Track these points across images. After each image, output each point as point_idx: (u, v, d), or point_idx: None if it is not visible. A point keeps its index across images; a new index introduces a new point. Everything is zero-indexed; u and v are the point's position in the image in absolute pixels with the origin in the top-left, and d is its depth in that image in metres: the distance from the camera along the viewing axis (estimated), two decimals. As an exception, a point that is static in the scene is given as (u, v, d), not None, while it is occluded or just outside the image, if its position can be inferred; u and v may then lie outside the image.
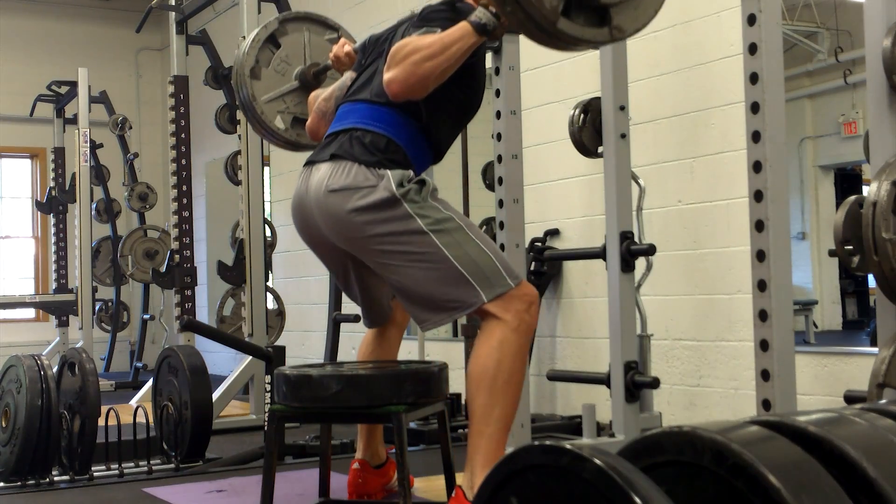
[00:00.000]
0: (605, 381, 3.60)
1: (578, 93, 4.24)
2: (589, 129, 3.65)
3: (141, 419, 3.92)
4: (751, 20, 2.50)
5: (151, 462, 3.68)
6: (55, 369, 3.63)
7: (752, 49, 2.50)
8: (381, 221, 2.44)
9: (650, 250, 3.54)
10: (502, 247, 3.50)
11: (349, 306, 3.94)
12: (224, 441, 4.44)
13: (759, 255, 2.48)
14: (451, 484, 2.59)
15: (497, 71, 3.56)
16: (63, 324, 8.09)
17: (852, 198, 2.42)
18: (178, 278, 5.39)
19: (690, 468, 0.96)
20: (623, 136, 3.57)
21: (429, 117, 2.58)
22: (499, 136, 3.56)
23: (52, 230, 8.36)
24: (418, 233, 2.43)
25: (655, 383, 3.50)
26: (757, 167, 2.48)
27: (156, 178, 8.85)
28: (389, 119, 2.55)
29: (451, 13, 2.56)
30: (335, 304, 4.87)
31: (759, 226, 2.48)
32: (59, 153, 8.20)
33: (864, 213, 2.28)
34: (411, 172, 2.51)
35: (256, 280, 4.92)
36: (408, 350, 4.58)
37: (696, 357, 4.26)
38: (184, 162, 5.49)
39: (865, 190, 2.48)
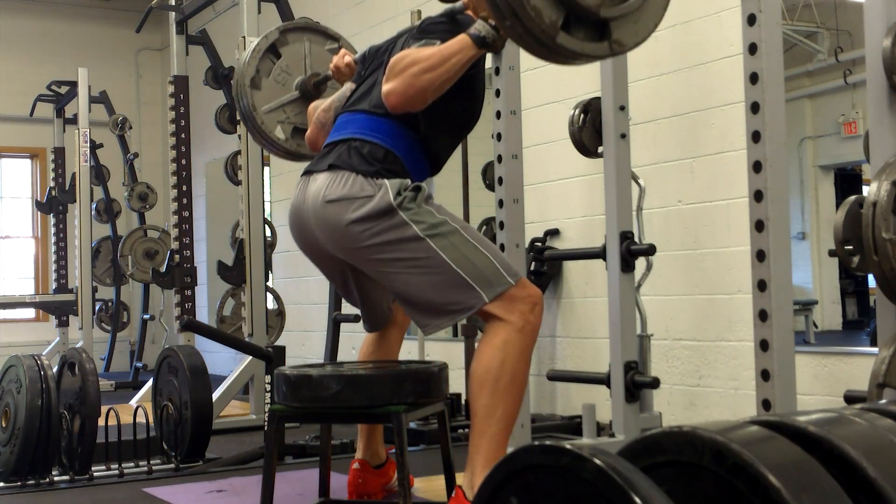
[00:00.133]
0: (605, 381, 3.61)
1: (578, 93, 4.25)
2: (589, 129, 3.65)
3: (141, 419, 3.92)
4: (751, 20, 2.50)
5: (151, 462, 3.68)
6: (55, 369, 3.63)
7: (752, 49, 2.50)
8: (379, 231, 2.44)
9: (650, 250, 3.54)
10: (502, 247, 3.50)
11: (349, 306, 3.94)
12: (224, 441, 4.44)
13: (759, 255, 2.48)
14: (451, 484, 2.59)
15: (497, 71, 3.56)
16: (63, 324, 8.09)
17: (852, 198, 2.42)
18: (178, 278, 5.39)
19: (690, 468, 0.96)
20: (623, 136, 3.57)
21: (427, 129, 2.58)
22: (499, 136, 3.56)
23: (52, 230, 8.37)
24: (414, 239, 2.43)
25: (655, 383, 3.50)
26: (757, 167, 2.48)
27: (156, 178, 8.86)
28: (388, 130, 2.55)
29: (450, 25, 2.57)
30: (335, 304, 4.87)
31: (759, 226, 2.48)
32: (59, 153, 8.21)
33: (864, 213, 2.28)
34: (409, 181, 2.51)
35: (256, 280, 4.92)
36: (408, 350, 4.58)
37: (696, 357, 4.26)
38: (184, 162, 5.50)
39: (865, 190, 2.48)
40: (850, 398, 2.48)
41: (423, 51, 2.45)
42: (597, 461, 0.90)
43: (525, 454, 0.97)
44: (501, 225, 3.55)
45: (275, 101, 3.38)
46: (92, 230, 7.29)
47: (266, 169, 5.56)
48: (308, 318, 7.15)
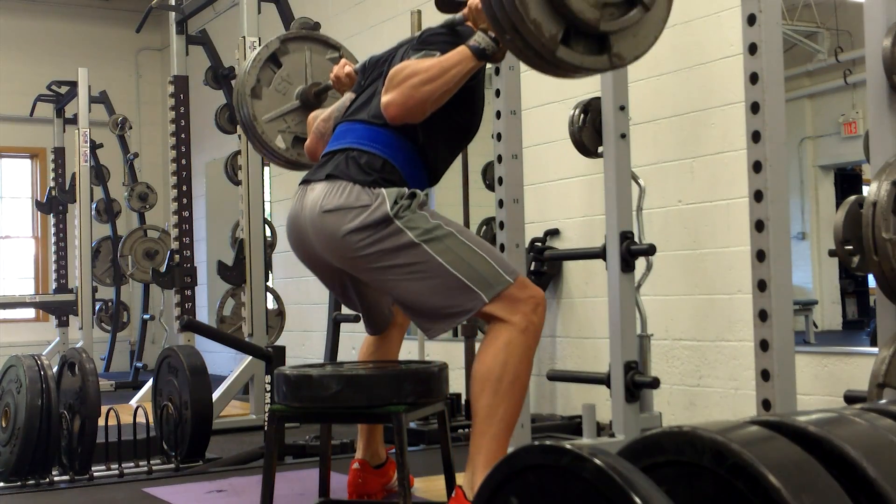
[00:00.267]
0: (605, 381, 3.61)
1: (578, 93, 4.24)
2: (589, 129, 3.65)
3: (141, 419, 3.92)
4: (751, 20, 2.50)
5: (151, 462, 3.68)
6: (55, 369, 3.63)
7: (752, 49, 2.50)
8: (376, 241, 2.44)
9: (650, 250, 3.54)
10: (502, 247, 3.50)
11: (349, 306, 3.94)
12: (224, 441, 4.44)
13: (759, 255, 2.48)
14: (451, 484, 2.59)
15: (497, 71, 3.56)
16: (63, 324, 8.09)
17: (852, 198, 2.42)
18: (178, 278, 5.39)
19: (690, 468, 0.96)
20: (623, 136, 3.57)
21: (426, 139, 2.58)
22: (499, 136, 3.56)
23: (52, 230, 8.37)
24: (410, 245, 2.43)
25: (655, 383, 3.50)
26: (757, 167, 2.48)
27: (156, 178, 8.86)
28: (386, 140, 2.55)
29: (450, 37, 2.57)
30: (335, 304, 4.88)
31: (759, 226, 2.48)
32: (59, 153, 8.21)
33: (864, 213, 2.29)
34: (406, 190, 2.50)
35: (256, 280, 4.92)
36: (408, 350, 4.58)
37: (696, 357, 4.26)
38: (184, 162, 5.50)
39: (865, 190, 2.48)
40: (850, 398, 2.48)
41: (422, 62, 2.45)
42: (597, 461, 0.90)
43: (525, 454, 0.97)
44: (501, 225, 3.55)
45: (275, 111, 3.38)
46: (92, 230, 7.30)
47: (266, 169, 5.56)
48: (308, 318, 7.15)
